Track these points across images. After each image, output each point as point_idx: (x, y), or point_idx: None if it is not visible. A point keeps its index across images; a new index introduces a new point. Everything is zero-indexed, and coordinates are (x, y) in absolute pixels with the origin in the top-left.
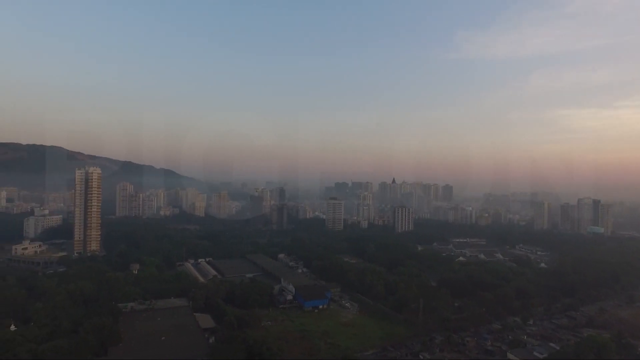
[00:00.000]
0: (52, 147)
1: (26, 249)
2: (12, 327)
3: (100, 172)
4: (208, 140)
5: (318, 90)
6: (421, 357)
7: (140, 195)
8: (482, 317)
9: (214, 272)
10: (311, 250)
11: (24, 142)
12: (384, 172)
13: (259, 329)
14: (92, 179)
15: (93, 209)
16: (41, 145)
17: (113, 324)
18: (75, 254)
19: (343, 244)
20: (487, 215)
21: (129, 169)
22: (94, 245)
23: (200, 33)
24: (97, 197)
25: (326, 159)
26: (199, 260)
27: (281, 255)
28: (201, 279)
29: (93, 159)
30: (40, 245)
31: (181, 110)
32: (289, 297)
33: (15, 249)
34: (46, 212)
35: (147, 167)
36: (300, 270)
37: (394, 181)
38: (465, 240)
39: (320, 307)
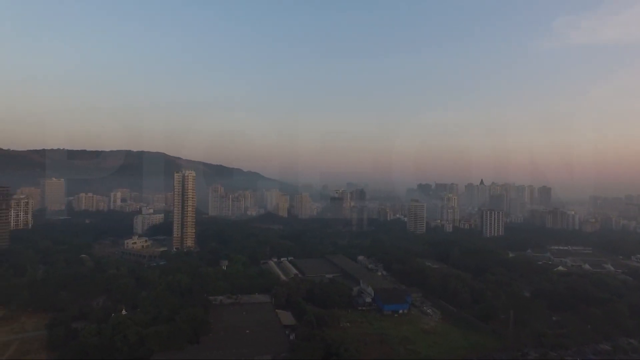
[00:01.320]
0: (156, 153)
1: (135, 243)
2: (124, 312)
3: (194, 175)
4: (292, 143)
5: (402, 89)
6: None
7: (230, 196)
8: (586, 335)
9: (295, 270)
10: (391, 252)
11: (134, 149)
12: (470, 172)
13: (338, 330)
14: (187, 182)
15: (189, 209)
16: (148, 152)
17: (204, 315)
18: (174, 249)
19: (425, 247)
20: (594, 220)
21: (221, 172)
22: (190, 242)
23: (275, 35)
24: (192, 198)
25: (410, 160)
26: (282, 258)
27: (360, 257)
28: (283, 277)
29: (190, 163)
30: (146, 241)
31: (267, 115)
32: (368, 299)
33: (127, 243)
34: (151, 211)
35: (236, 170)
36: (379, 273)
37: (482, 182)
38: (566, 248)
39: (400, 311)
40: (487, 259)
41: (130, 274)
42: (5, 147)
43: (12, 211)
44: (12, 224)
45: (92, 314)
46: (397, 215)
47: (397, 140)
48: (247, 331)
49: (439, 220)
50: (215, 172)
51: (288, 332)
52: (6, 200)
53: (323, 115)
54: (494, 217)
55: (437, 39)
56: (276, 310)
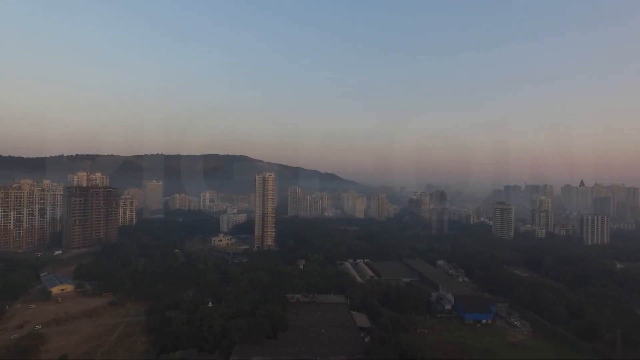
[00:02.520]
0: (240, 157)
1: (221, 241)
2: (210, 304)
3: (274, 176)
4: (368, 145)
5: (483, 87)
6: None
7: (307, 197)
8: None
9: (370, 273)
10: (474, 258)
11: (221, 153)
12: (567, 172)
13: (414, 335)
14: (267, 183)
15: (269, 209)
16: (233, 155)
17: (282, 312)
18: (255, 248)
19: (513, 254)
20: None
21: (299, 174)
22: (270, 241)
23: (350, 36)
24: (272, 198)
25: (496, 159)
26: (357, 260)
27: (440, 262)
28: (358, 279)
29: (270, 166)
30: (230, 239)
31: (344, 117)
32: (448, 306)
33: (214, 240)
34: (235, 211)
35: (313, 172)
36: (460, 280)
37: (582, 183)
38: None
39: (483, 321)
40: (589, 269)
41: (216, 269)
42: (116, 153)
43: (120, 209)
44: (120, 220)
45: (183, 305)
46: (481, 219)
47: (481, 139)
48: (323, 330)
49: (529, 225)
50: (293, 174)
51: (363, 334)
52: (115, 200)
53: (400, 116)
54: (598, 223)
55: (520, 35)
56: (351, 312)
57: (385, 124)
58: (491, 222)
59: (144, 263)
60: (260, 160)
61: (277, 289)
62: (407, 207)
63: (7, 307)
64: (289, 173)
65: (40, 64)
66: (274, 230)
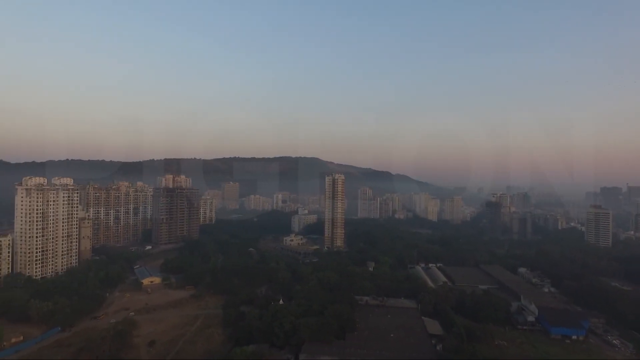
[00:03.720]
0: (312, 159)
1: (292, 240)
2: (281, 301)
3: (344, 178)
4: (443, 144)
5: (571, 81)
6: None
7: (378, 198)
8: None
9: (444, 278)
10: (562, 267)
11: (293, 155)
12: None
13: (491, 347)
14: (337, 185)
15: (338, 210)
16: (304, 157)
17: (350, 313)
18: (325, 248)
19: (610, 263)
20: None
21: (369, 175)
22: (339, 242)
23: (412, 33)
24: (342, 200)
25: (589, 159)
26: (430, 264)
27: (522, 270)
28: (430, 284)
29: (340, 167)
30: (301, 239)
31: (417, 116)
32: (531, 318)
33: (285, 240)
34: (306, 211)
35: (384, 173)
36: (546, 290)
37: None
38: None
39: (574, 337)
40: None
41: (287, 268)
42: (198, 157)
43: (201, 209)
44: (201, 219)
45: (256, 301)
46: (572, 224)
47: (572, 136)
48: (392, 335)
49: (632, 232)
50: (364, 175)
51: (434, 341)
52: (197, 200)
53: (478, 114)
54: None
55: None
56: (422, 317)
57: (462, 122)
58: (583, 228)
59: (222, 259)
60: (330, 162)
61: (346, 290)
62: (484, 210)
63: (108, 294)
64: (359, 174)
65: (135, 78)
66: (343, 231)
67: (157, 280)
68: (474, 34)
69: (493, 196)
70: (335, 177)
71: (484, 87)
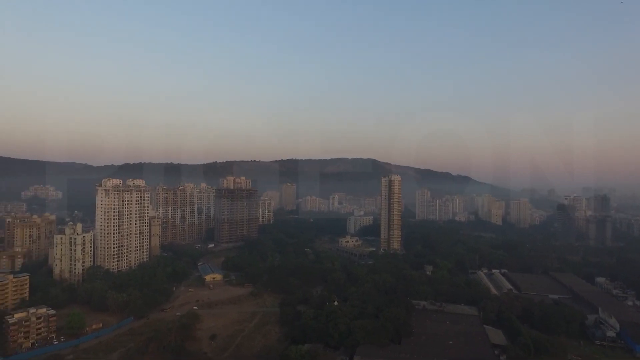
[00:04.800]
0: (368, 160)
1: (348, 242)
2: (336, 302)
3: (400, 179)
4: (508, 143)
5: None
6: None
7: (437, 200)
8: None
9: (508, 285)
10: None
11: (349, 156)
12: None
13: None
14: (394, 186)
15: (394, 212)
16: (360, 158)
17: (407, 317)
18: (381, 250)
19: None
20: None
21: (428, 176)
22: (396, 244)
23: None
24: (398, 201)
25: None
26: (493, 270)
27: (600, 279)
28: (494, 291)
29: (398, 168)
30: (357, 240)
31: (477, 115)
32: (611, 333)
33: (341, 241)
34: (362, 213)
35: (444, 174)
36: (630, 303)
37: None
38: None
39: None
40: None
41: (342, 269)
42: (257, 159)
43: (260, 209)
44: (259, 219)
45: (312, 300)
46: None
47: None
48: (450, 342)
49: None
50: (423, 177)
51: (497, 352)
52: (256, 201)
53: (545, 110)
54: None
55: None
56: (484, 326)
57: (530, 120)
58: None
59: (279, 259)
60: (387, 163)
61: (402, 294)
62: (555, 213)
63: (174, 288)
64: (417, 176)
65: (206, 85)
66: (400, 233)
67: (218, 277)
68: (535, 30)
69: (566, 198)
70: (392, 178)
71: (551, 81)
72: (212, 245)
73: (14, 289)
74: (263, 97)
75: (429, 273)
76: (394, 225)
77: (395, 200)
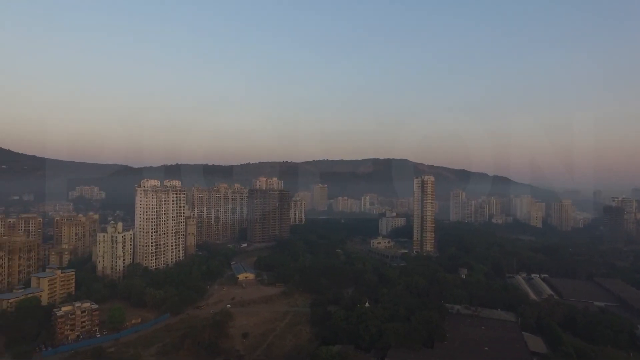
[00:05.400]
0: (401, 160)
1: (380, 243)
2: (367, 304)
3: (433, 179)
4: (549, 142)
5: None
6: None
7: (472, 202)
8: None
9: (549, 290)
10: None
11: (381, 157)
12: None
13: None
14: (427, 187)
15: (428, 213)
16: (393, 159)
17: (440, 320)
18: (414, 252)
19: None
20: None
21: (463, 177)
22: (429, 246)
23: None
24: (432, 202)
25: None
26: (532, 275)
27: None
28: (533, 296)
29: (431, 169)
30: (389, 242)
31: (517, 113)
32: None
33: (372, 242)
34: (394, 214)
35: (480, 175)
36: None
37: None
38: None
39: None
40: None
41: (374, 270)
42: (289, 160)
43: (291, 210)
44: (291, 219)
45: (342, 301)
46: None
47: None
48: (486, 348)
49: None
50: (457, 177)
51: None
52: (287, 202)
53: (590, 108)
54: None
55: None
56: (522, 332)
57: (574, 118)
58: None
59: (310, 259)
60: (421, 164)
61: (435, 297)
62: (603, 216)
63: (208, 286)
64: (452, 176)
65: (241, 90)
66: (433, 235)
67: (250, 276)
68: (578, 28)
69: (614, 200)
70: (425, 179)
71: (598, 78)
72: (245, 244)
73: (61, 283)
74: (293, 98)
75: (463, 276)
76: (427, 226)
77: (428, 201)
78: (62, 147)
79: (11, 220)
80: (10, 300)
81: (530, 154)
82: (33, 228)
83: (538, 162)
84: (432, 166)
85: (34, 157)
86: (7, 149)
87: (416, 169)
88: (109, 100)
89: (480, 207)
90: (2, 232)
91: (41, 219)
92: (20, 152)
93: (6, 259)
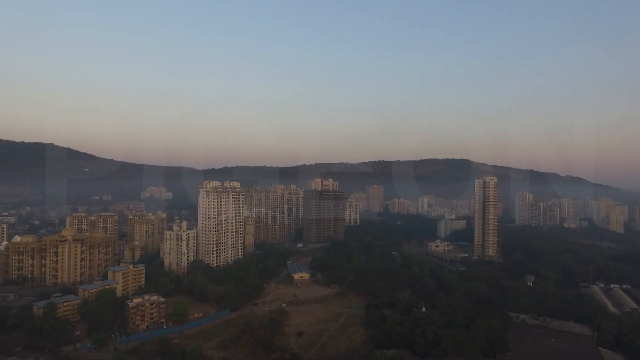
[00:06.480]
0: (461, 160)
1: (438, 246)
2: (423, 309)
3: (496, 180)
4: (633, 139)
5: None
6: None
7: (541, 204)
8: None
9: (633, 304)
10: None
11: (440, 157)
12: None
13: None
14: (489, 188)
15: (490, 216)
16: (452, 159)
17: (503, 330)
18: (475, 257)
19: None
20: None
21: (531, 178)
22: (491, 251)
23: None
24: (494, 205)
25: None
26: (612, 285)
27: None
28: (612, 309)
29: (495, 169)
30: (447, 245)
31: (591, 107)
32: None
33: (430, 245)
34: (453, 216)
35: (550, 175)
36: None
37: None
38: None
39: None
40: None
41: (431, 274)
42: (345, 161)
43: (347, 211)
44: (346, 220)
45: (398, 305)
46: None
47: None
48: None
49: None
50: (524, 178)
51: None
52: (343, 202)
53: None
54: None
55: None
56: (599, 348)
57: None
58: None
59: (365, 260)
60: (483, 164)
61: (498, 305)
62: None
63: (265, 285)
64: (518, 177)
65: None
66: (496, 239)
67: (306, 276)
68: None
69: None
70: (487, 180)
71: None
72: (300, 245)
73: (133, 277)
74: (351, 98)
75: (530, 284)
76: (489, 230)
77: (490, 203)
78: (136, 151)
79: (92, 218)
80: (90, 291)
81: (609, 151)
82: (110, 225)
83: (618, 160)
84: (495, 166)
85: (111, 160)
86: (90, 153)
87: (478, 170)
88: (190, 107)
89: (550, 210)
90: (85, 228)
91: (117, 217)
92: (100, 157)
93: (87, 253)
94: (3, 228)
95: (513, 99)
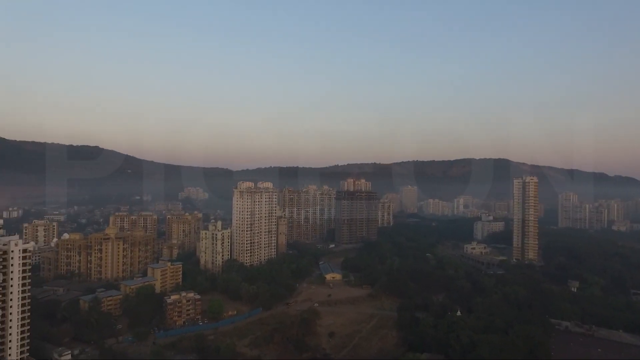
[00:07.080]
0: (498, 160)
1: (474, 249)
2: (458, 313)
3: (536, 181)
4: None
5: None
6: None
7: (587, 206)
8: None
9: None
10: None
11: (476, 157)
12: None
13: None
14: (529, 189)
15: (530, 218)
16: (489, 159)
17: (544, 337)
18: (514, 260)
19: None
20: None
21: (575, 178)
22: (532, 254)
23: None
24: (535, 206)
25: None
26: None
27: None
28: None
29: (535, 169)
30: (484, 247)
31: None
32: None
33: (466, 247)
34: (491, 218)
35: (597, 175)
36: None
37: None
38: None
39: None
40: None
41: (466, 277)
42: (377, 161)
43: (379, 212)
44: (379, 221)
45: (431, 308)
46: None
47: None
48: None
49: None
50: (567, 178)
51: None
52: (375, 203)
53: None
54: None
55: None
56: None
57: None
58: None
59: (398, 262)
60: (523, 164)
61: (539, 310)
62: None
63: (297, 284)
64: (561, 177)
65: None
66: (537, 242)
67: (337, 276)
68: None
69: None
70: (526, 180)
71: None
72: (332, 245)
73: (171, 274)
74: (386, 98)
75: (574, 289)
76: (529, 232)
77: (530, 204)
78: (175, 153)
79: (133, 217)
80: (131, 287)
81: None
82: (150, 224)
83: None
84: (536, 166)
85: (152, 162)
86: (132, 155)
87: (517, 169)
88: (229, 109)
89: (597, 212)
90: (126, 227)
91: (156, 217)
92: (142, 158)
93: (129, 250)
94: (54, 226)
95: (557, 96)
